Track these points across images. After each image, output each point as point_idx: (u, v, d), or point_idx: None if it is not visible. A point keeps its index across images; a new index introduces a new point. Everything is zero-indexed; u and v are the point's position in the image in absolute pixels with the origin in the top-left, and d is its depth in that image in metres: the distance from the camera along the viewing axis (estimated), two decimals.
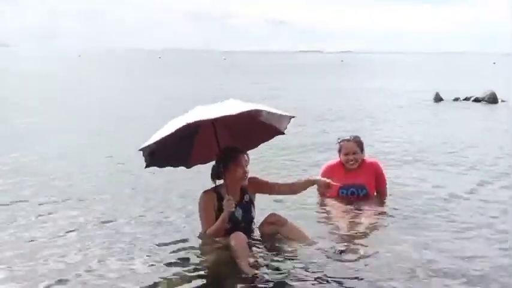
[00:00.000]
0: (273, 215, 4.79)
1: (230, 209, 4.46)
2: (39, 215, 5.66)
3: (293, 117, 4.69)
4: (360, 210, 5.59)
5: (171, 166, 5.01)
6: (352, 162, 5.84)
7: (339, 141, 5.98)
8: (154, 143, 4.26)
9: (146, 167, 4.73)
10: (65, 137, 10.97)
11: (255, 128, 4.85)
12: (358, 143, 5.90)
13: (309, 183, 4.82)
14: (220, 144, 4.56)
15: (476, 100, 18.93)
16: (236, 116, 4.20)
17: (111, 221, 5.46)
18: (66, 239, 4.98)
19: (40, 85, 27.36)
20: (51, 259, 4.47)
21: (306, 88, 26.29)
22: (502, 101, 18.77)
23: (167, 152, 4.65)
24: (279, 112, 4.55)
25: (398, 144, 10.25)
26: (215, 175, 4.66)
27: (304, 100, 19.67)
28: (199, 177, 5.44)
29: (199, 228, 4.79)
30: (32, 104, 17.59)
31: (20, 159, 8.55)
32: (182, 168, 5.08)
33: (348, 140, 5.90)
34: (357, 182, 5.84)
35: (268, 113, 4.57)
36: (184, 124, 4.07)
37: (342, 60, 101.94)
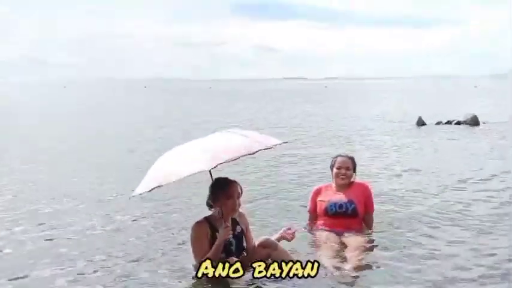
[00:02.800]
0: (266, 239, 4.83)
1: (227, 236, 4.48)
2: None
3: (285, 142, 4.78)
4: (347, 242, 5.47)
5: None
6: (342, 177, 5.80)
7: (333, 157, 6.02)
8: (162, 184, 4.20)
9: (134, 196, 4.53)
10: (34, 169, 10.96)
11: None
12: (353, 161, 5.93)
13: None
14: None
15: (458, 123, 19.20)
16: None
17: (104, 258, 5.38)
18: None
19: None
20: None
21: (286, 115, 26.34)
22: (483, 123, 19.08)
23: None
24: (271, 143, 4.57)
25: (382, 169, 10.24)
26: (209, 204, 4.65)
27: (283, 126, 19.77)
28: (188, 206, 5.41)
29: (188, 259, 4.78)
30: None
31: None
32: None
33: (342, 156, 5.95)
34: (344, 199, 5.77)
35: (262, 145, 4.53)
36: (200, 171, 4.05)
37: (325, 86, 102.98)
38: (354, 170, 5.92)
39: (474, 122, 19.01)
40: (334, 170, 5.88)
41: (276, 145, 4.64)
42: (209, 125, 19.74)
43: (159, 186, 4.21)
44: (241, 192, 4.64)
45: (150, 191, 4.25)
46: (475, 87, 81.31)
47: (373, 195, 6.00)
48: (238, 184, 4.64)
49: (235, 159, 4.30)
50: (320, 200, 5.87)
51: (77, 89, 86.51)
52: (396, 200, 7.57)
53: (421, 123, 19.36)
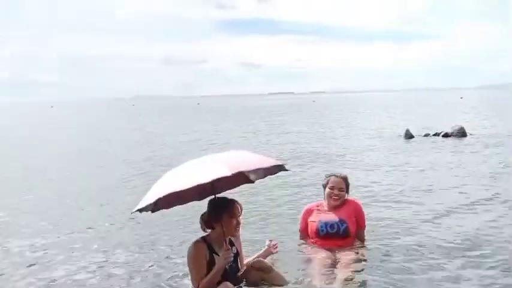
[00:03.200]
0: (259, 261, 4.80)
1: (229, 260, 4.44)
2: None
3: (285, 169, 4.75)
4: (339, 259, 5.45)
5: (163, 208, 4.76)
6: (335, 198, 5.76)
7: (327, 175, 5.96)
8: (162, 197, 4.15)
9: (134, 212, 4.45)
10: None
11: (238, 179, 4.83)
12: (346, 182, 5.87)
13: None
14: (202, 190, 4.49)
15: (446, 135, 19.37)
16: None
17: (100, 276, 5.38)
18: None
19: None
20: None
21: (275, 130, 26.37)
22: (471, 134, 19.28)
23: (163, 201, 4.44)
24: (271, 164, 4.61)
25: (373, 184, 10.22)
26: (207, 224, 4.58)
27: (273, 143, 19.78)
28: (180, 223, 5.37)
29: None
30: None
31: None
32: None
33: (336, 176, 5.88)
34: (335, 219, 5.72)
35: (260, 169, 4.64)
36: (199, 183, 4.04)
37: (313, 101, 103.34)
38: (347, 190, 5.89)
39: (461, 133, 19.22)
40: (327, 189, 5.84)
41: (280, 169, 4.73)
42: (201, 143, 19.80)
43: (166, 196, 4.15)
44: (241, 211, 4.62)
45: (155, 202, 4.22)
46: (461, 98, 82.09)
47: (364, 212, 5.96)
48: (239, 203, 4.62)
49: (253, 170, 4.51)
50: (311, 221, 5.83)
51: (64, 108, 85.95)
52: (389, 216, 7.50)
53: (409, 136, 19.47)
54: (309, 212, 5.93)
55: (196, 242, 4.57)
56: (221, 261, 4.41)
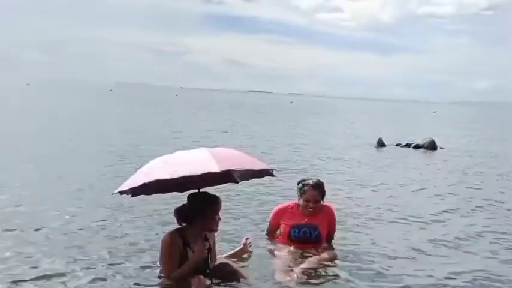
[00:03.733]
0: (224, 264, 4.80)
1: (203, 256, 4.51)
2: None
3: (272, 175, 4.93)
4: (305, 256, 5.52)
5: (144, 194, 4.81)
6: (310, 210, 5.70)
7: (303, 184, 5.76)
8: (171, 179, 4.20)
9: (115, 193, 4.55)
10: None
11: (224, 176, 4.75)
12: (322, 191, 5.75)
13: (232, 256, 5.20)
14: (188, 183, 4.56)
15: (417, 146, 19.71)
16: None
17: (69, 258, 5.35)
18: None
19: None
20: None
21: (245, 129, 26.20)
22: (441, 148, 19.74)
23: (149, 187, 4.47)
24: (261, 168, 4.74)
25: (341, 191, 10.11)
26: (186, 218, 4.54)
27: (247, 140, 19.79)
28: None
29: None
30: None
31: None
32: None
33: (312, 187, 5.69)
34: (307, 223, 5.71)
35: (250, 170, 4.72)
36: (189, 174, 4.11)
37: (291, 102, 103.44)
38: (322, 198, 5.78)
39: (432, 146, 19.63)
40: (302, 201, 5.72)
41: (268, 174, 4.87)
42: (180, 135, 19.78)
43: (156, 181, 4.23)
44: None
45: (141, 186, 4.31)
46: (434, 112, 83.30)
47: (335, 216, 5.97)
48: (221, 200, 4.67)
49: (241, 171, 4.56)
50: (284, 223, 5.79)
51: (41, 87, 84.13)
52: (356, 221, 7.57)
53: (381, 144, 19.78)
54: (282, 212, 5.87)
55: (172, 233, 4.57)
56: (196, 255, 4.46)
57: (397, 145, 20.08)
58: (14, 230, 6.22)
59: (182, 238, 4.51)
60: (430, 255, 6.20)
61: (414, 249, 6.38)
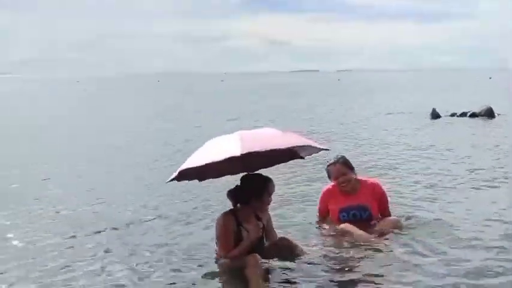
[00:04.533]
0: (284, 239, 4.88)
1: (258, 235, 4.62)
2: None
3: (327, 149, 4.89)
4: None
5: (188, 180, 4.95)
6: (344, 184, 5.55)
7: (326, 166, 5.69)
8: (199, 166, 4.33)
9: (169, 181, 4.67)
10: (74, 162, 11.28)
11: (282, 154, 4.91)
12: (345, 164, 5.58)
13: None
14: (245, 165, 4.73)
15: (473, 115, 19.14)
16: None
17: (128, 242, 5.63)
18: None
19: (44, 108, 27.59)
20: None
21: (301, 109, 26.30)
22: (499, 115, 19.05)
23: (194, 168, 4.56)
24: (317, 145, 4.74)
25: (401, 163, 10.09)
26: (240, 199, 4.67)
27: (299, 121, 19.76)
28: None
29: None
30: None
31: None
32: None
33: (333, 164, 5.58)
34: (357, 203, 5.58)
35: (309, 146, 4.72)
36: (237, 155, 4.14)
37: (338, 79, 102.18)
38: (351, 169, 5.60)
39: (489, 114, 18.98)
40: (333, 181, 5.63)
41: (316, 149, 4.78)
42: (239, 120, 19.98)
43: (187, 170, 4.42)
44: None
45: (180, 175, 4.51)
46: (490, 78, 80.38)
47: (385, 192, 5.76)
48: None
49: (269, 153, 4.49)
50: (332, 207, 5.69)
51: (90, 86, 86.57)
52: (412, 200, 7.22)
53: (435, 115, 19.29)
54: (327, 195, 5.76)
55: (225, 213, 4.71)
56: (251, 234, 4.58)
57: (452, 115, 19.54)
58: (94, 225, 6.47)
59: (236, 218, 4.64)
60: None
61: (486, 216, 6.17)
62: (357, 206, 5.57)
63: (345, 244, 5.23)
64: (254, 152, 4.37)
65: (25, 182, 9.11)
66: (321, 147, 4.82)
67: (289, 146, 4.60)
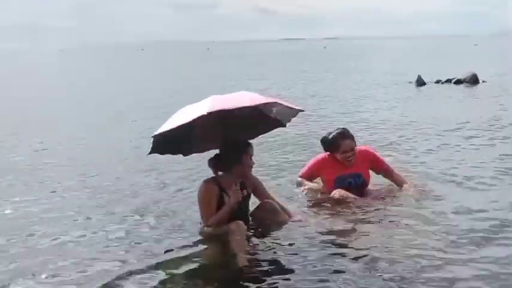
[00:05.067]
0: (266, 203, 4.78)
1: (237, 199, 4.49)
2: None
3: (302, 111, 4.71)
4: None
5: (171, 153, 4.92)
6: (350, 159, 5.55)
7: (333, 138, 5.55)
8: (170, 130, 4.23)
9: (149, 153, 4.56)
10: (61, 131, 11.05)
11: (260, 120, 4.84)
12: (353, 138, 5.61)
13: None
14: (224, 134, 4.63)
15: (458, 82, 19.11)
16: (248, 108, 4.28)
17: (109, 212, 5.50)
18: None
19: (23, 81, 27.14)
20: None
21: (286, 75, 26.15)
22: (483, 81, 19.02)
23: (175, 140, 4.57)
24: (290, 105, 4.59)
25: (387, 131, 9.97)
26: (222, 165, 4.60)
27: (284, 88, 19.61)
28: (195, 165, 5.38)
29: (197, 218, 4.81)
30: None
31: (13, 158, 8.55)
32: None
33: (345, 138, 5.53)
34: (352, 171, 5.60)
35: (280, 105, 4.56)
36: (205, 114, 4.04)
37: (324, 47, 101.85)
38: (355, 144, 5.63)
39: (474, 80, 18.97)
40: (340, 154, 5.53)
41: (292, 110, 4.66)
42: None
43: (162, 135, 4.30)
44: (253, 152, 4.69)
45: (161, 148, 4.47)
46: (475, 45, 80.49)
47: (378, 155, 5.82)
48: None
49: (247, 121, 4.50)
50: (326, 178, 5.65)
51: (73, 55, 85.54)
52: (409, 158, 7.35)
53: (420, 82, 19.30)
54: (321, 165, 5.69)
55: (207, 181, 4.63)
56: (231, 200, 4.49)
57: (437, 82, 19.54)
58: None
59: (218, 185, 4.56)
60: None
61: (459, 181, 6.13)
62: (353, 175, 5.61)
63: (334, 211, 5.22)
64: (225, 114, 4.35)
65: None
66: (296, 108, 4.67)
67: (259, 103, 4.40)
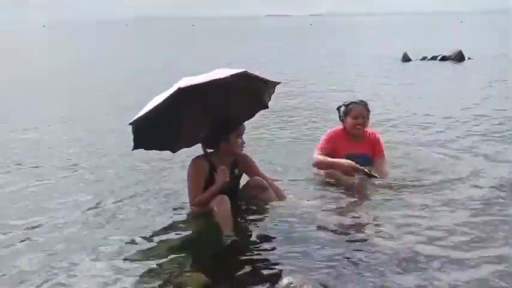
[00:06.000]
0: (255, 179, 4.69)
1: (225, 179, 4.36)
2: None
3: (278, 83, 4.59)
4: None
5: (157, 149, 4.84)
6: (359, 127, 5.52)
7: (346, 103, 5.59)
8: (146, 113, 4.12)
9: (133, 149, 4.48)
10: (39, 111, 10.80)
11: (241, 104, 4.69)
12: (368, 108, 5.59)
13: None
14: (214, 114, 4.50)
15: (443, 59, 19.16)
16: (224, 84, 4.18)
17: (98, 191, 5.38)
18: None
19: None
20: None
21: (272, 54, 26.04)
22: (469, 58, 19.09)
23: (156, 130, 4.47)
24: (265, 78, 4.47)
25: (374, 107, 9.93)
26: (211, 143, 4.51)
27: (271, 66, 19.49)
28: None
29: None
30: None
31: None
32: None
33: (358, 104, 5.54)
34: (362, 152, 5.60)
35: (256, 77, 4.38)
36: (176, 89, 3.98)
37: (310, 24, 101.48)
38: (368, 117, 5.61)
39: (459, 57, 19.04)
40: (350, 119, 5.51)
41: (271, 83, 4.53)
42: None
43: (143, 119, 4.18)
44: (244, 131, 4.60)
45: (132, 124, 4.25)
46: (461, 22, 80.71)
47: (382, 142, 5.75)
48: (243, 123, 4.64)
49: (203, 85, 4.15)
50: (338, 150, 5.56)
51: (56, 30, 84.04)
52: (399, 136, 7.36)
53: (406, 59, 19.35)
54: (334, 137, 5.63)
55: (197, 158, 4.54)
56: (219, 181, 4.37)
57: (423, 59, 19.58)
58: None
59: (209, 162, 4.47)
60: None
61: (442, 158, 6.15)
62: (362, 155, 5.58)
63: (330, 190, 5.19)
64: (203, 96, 4.35)
65: None
66: (273, 80, 4.53)
67: (230, 74, 4.16)
